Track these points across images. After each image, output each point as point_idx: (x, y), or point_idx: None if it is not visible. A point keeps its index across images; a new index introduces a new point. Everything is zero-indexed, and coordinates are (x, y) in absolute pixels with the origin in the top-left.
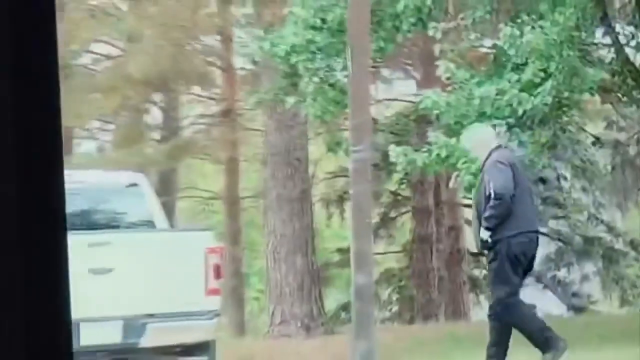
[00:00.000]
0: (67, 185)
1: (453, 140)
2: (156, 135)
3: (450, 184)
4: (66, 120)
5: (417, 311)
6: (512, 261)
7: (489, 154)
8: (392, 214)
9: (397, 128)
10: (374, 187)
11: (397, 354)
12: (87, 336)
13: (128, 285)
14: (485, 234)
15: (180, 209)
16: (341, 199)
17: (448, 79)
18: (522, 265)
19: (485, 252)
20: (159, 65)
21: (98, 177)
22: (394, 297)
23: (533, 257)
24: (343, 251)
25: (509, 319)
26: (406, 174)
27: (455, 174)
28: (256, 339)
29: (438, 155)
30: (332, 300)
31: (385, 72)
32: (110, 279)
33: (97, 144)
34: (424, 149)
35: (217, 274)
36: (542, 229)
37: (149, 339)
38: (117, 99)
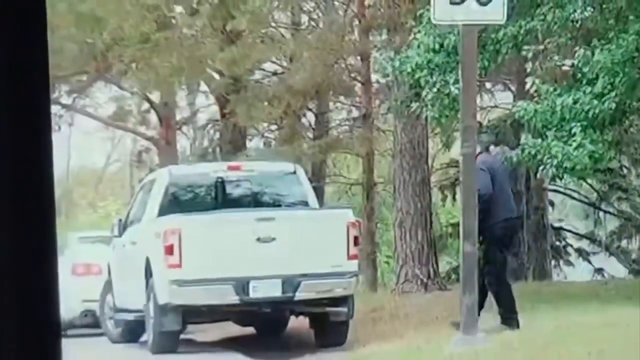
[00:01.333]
0: (241, 174)
1: (539, 141)
2: (310, 134)
3: (538, 175)
4: (242, 121)
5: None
6: (497, 243)
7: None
8: None
9: (497, 130)
10: None
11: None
12: (254, 291)
13: (287, 252)
14: None
15: (328, 192)
16: (453, 185)
17: (536, 91)
18: (506, 244)
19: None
20: (314, 80)
21: (265, 167)
22: None
23: (514, 237)
24: (454, 225)
25: (496, 288)
26: None
27: (541, 167)
28: (385, 294)
29: (529, 152)
30: (445, 264)
31: (488, 85)
32: (273, 247)
33: (265, 141)
34: (518, 148)
35: (356, 242)
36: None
37: (303, 294)
38: (281, 106)
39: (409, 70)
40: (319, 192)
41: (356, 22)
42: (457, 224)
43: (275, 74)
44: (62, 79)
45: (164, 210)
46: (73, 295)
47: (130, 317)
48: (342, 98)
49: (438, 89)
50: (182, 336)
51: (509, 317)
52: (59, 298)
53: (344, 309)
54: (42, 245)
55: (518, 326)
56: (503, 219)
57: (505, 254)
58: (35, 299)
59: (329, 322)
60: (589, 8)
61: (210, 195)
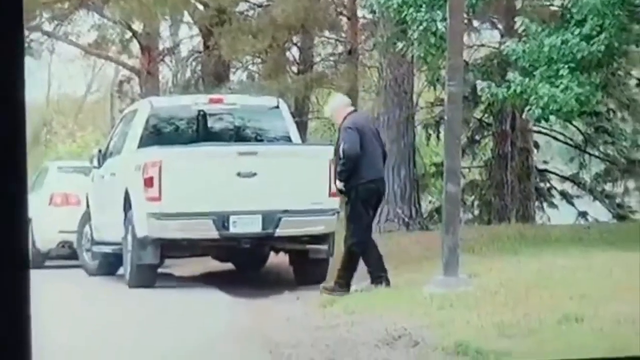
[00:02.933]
0: (223, 107)
1: (527, 80)
2: (294, 68)
3: (524, 115)
4: (225, 54)
5: (493, 214)
6: (362, 203)
7: (344, 119)
8: (477, 137)
9: (484, 69)
10: (463, 114)
11: (476, 247)
12: (234, 226)
13: (268, 187)
14: (339, 184)
15: (311, 128)
16: (437, 124)
17: (524, 31)
18: (372, 204)
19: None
20: (299, 13)
21: (248, 100)
22: (476, 202)
23: (381, 197)
24: (437, 165)
25: (364, 247)
26: (489, 104)
27: (527, 108)
28: None
29: (515, 91)
30: (427, 203)
31: (475, 23)
32: (254, 182)
33: (248, 74)
34: (504, 86)
35: None
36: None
37: (283, 230)
38: (266, 39)
39: (395, 6)
40: (302, 128)
41: None
42: (441, 164)
43: (260, 6)
44: (44, 6)
45: (144, 142)
46: (50, 225)
47: (107, 249)
48: (327, 33)
49: (425, 27)
50: (159, 270)
51: (378, 276)
52: (28, 231)
53: (325, 247)
54: (9, 178)
55: (388, 284)
56: (369, 180)
57: (370, 214)
58: (1, 231)
59: (309, 259)
60: None
61: (191, 128)
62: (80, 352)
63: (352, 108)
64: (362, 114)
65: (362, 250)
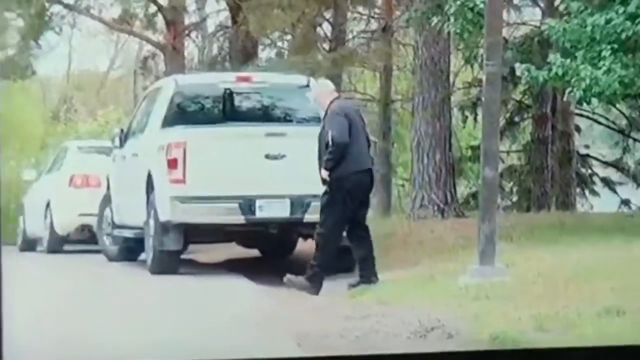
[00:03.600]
0: (250, 85)
1: (568, 61)
2: (325, 45)
3: (565, 97)
4: (254, 30)
5: (532, 201)
6: (345, 194)
7: (330, 104)
8: (516, 119)
9: (523, 48)
10: (502, 95)
11: (515, 236)
12: (260, 210)
13: (297, 170)
14: (324, 174)
15: None
16: (475, 105)
17: (566, 9)
18: (357, 197)
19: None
20: None
21: (277, 79)
22: (514, 189)
23: (369, 189)
24: (474, 148)
25: (324, 242)
26: (529, 86)
27: (568, 89)
28: (399, 219)
29: (556, 73)
30: (463, 189)
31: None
32: (282, 164)
33: (278, 51)
34: (545, 68)
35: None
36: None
37: (312, 215)
38: (296, 14)
39: None
40: None
41: None
42: (478, 147)
43: None
44: None
45: (168, 122)
46: (69, 208)
47: (129, 234)
48: (360, 8)
49: (462, 2)
50: (182, 256)
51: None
52: None
53: None
54: None
55: (317, 292)
56: (357, 170)
57: (351, 207)
58: None
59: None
60: None
61: (217, 108)
62: (98, 341)
63: (337, 94)
64: (348, 100)
65: (326, 243)
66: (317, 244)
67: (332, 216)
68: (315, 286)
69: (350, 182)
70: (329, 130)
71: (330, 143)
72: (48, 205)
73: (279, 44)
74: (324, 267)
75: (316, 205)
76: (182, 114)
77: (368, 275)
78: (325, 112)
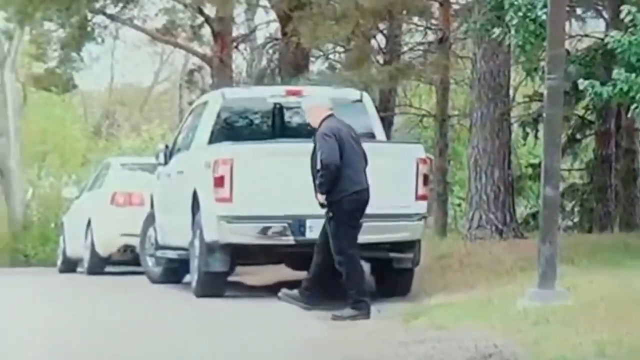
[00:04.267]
0: (301, 100)
1: (633, 76)
2: (380, 58)
3: (630, 113)
4: (305, 42)
5: (595, 222)
6: (348, 217)
7: (320, 123)
8: (578, 136)
9: (586, 60)
10: (564, 111)
11: (576, 258)
12: (311, 231)
13: None
14: (320, 198)
15: (397, 124)
16: (535, 121)
17: (632, 21)
18: (357, 218)
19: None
20: None
21: (329, 93)
22: (576, 208)
23: (365, 207)
24: (534, 166)
25: (347, 267)
26: (592, 101)
27: (633, 106)
28: (456, 240)
29: (620, 89)
30: (523, 208)
31: (578, 10)
32: None
33: (330, 64)
34: (609, 84)
35: (425, 182)
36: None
37: (365, 236)
38: (349, 26)
39: None
40: (387, 124)
41: None
42: (538, 165)
43: None
44: None
45: (215, 137)
46: (111, 227)
47: (173, 255)
48: (416, 19)
49: (524, 13)
50: (229, 278)
51: (358, 301)
52: None
53: (410, 255)
54: None
55: (368, 314)
56: (353, 191)
57: (356, 229)
58: None
59: (393, 268)
60: None
61: (266, 123)
62: None
63: (331, 111)
64: (338, 120)
65: (346, 270)
66: (342, 272)
67: (345, 240)
68: (364, 311)
69: (349, 202)
70: (319, 152)
71: (320, 166)
72: (89, 224)
73: (331, 56)
74: (361, 291)
75: (368, 225)
76: (230, 129)
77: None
78: (317, 129)
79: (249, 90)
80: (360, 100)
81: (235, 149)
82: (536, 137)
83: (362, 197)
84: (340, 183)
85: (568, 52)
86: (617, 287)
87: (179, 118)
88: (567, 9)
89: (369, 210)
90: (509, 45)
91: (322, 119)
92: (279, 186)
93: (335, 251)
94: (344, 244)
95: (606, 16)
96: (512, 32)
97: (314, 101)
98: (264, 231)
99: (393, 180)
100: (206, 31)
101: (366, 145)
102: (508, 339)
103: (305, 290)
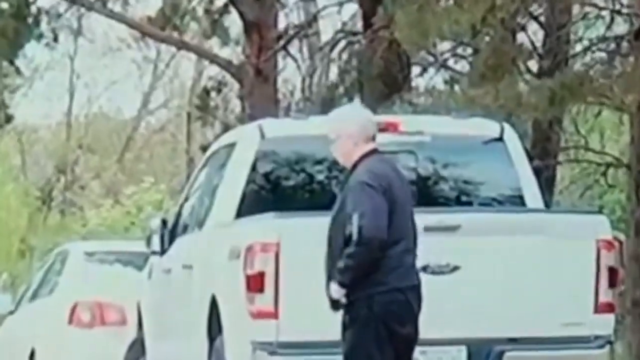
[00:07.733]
0: (397, 138)
1: None
2: (533, 64)
3: None
4: (403, 38)
5: None
6: (378, 330)
7: (357, 163)
8: None
9: None
10: None
11: None
12: None
13: (479, 294)
14: (337, 292)
15: (563, 177)
16: None
17: None
18: (396, 335)
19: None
20: None
21: (445, 126)
22: None
23: (413, 323)
24: None
25: None
26: None
27: None
28: None
29: None
30: None
31: None
32: (454, 283)
33: (446, 75)
34: None
35: (613, 280)
36: None
37: None
38: (479, 10)
39: None
40: (546, 179)
41: None
42: None
43: None
44: None
45: (247, 205)
46: None
47: None
48: None
49: None
50: None
51: None
52: None
53: None
54: None
55: None
56: (395, 287)
57: (391, 355)
58: None
59: None
60: None
61: (336, 179)
62: None
63: (373, 144)
64: (389, 159)
65: None
66: None
67: None
68: None
69: (384, 304)
70: (354, 214)
71: (354, 238)
72: (32, 358)
73: (450, 62)
74: None
75: (515, 356)
76: (272, 191)
77: None
78: (349, 172)
79: (306, 124)
80: (500, 139)
81: (283, 225)
82: None
83: (408, 298)
84: (378, 272)
85: None
86: None
87: (186, 173)
88: None
89: (516, 329)
90: None
91: (359, 156)
92: None
93: None
94: None
95: None
96: None
97: (344, 123)
98: None
99: (556, 279)
100: (232, 21)
101: (509, 218)
102: None
103: None
